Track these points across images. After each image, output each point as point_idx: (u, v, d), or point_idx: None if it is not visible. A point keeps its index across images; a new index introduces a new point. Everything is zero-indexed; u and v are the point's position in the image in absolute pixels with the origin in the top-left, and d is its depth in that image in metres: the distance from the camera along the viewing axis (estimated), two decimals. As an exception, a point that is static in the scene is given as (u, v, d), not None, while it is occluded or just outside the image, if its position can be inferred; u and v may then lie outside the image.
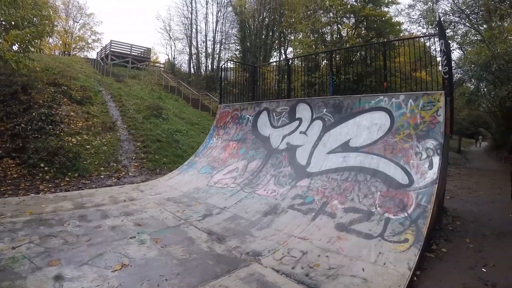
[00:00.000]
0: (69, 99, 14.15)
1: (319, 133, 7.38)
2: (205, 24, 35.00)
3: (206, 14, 39.86)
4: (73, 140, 11.25)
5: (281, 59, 27.78)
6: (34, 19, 11.29)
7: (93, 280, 3.70)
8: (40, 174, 9.03)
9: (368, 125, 6.60)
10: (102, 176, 9.96)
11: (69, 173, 9.60)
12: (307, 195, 6.18)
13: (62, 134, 11.07)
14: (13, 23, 9.65)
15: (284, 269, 4.06)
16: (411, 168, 5.47)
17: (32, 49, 11.21)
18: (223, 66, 13.17)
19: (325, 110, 7.61)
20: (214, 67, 33.72)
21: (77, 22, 43.31)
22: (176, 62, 38.14)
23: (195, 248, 4.51)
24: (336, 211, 5.46)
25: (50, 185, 8.53)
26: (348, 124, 6.98)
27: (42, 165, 9.29)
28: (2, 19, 9.56)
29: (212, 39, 34.62)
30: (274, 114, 8.61)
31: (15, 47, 10.84)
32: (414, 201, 4.95)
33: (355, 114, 7.00)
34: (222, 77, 12.30)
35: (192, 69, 35.72)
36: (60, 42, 41.34)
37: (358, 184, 5.80)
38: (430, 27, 20.23)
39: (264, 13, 29.52)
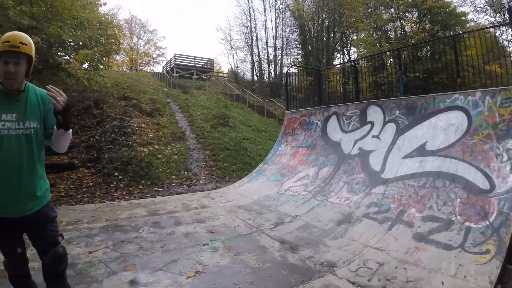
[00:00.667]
0: (139, 112, 14.80)
1: (392, 137, 6.88)
2: (265, 31, 35.33)
3: (265, 21, 40.26)
4: (145, 150, 11.67)
5: (345, 60, 27.04)
6: (101, 38, 11.94)
7: (168, 286, 3.66)
8: (114, 183, 9.43)
9: (444, 126, 5.99)
10: (174, 184, 10.16)
11: (142, 181, 9.91)
12: (383, 203, 5.74)
13: (134, 144, 11.54)
14: (81, 43, 10.21)
15: (360, 281, 3.76)
16: (492, 172, 4.82)
17: (101, 66, 11.84)
18: (287, 72, 12.88)
19: (397, 112, 7.09)
20: (277, 73, 33.74)
21: (141, 39, 45.89)
22: (239, 71, 38.75)
23: (268, 257, 4.35)
24: (413, 220, 4.99)
25: (124, 193, 8.85)
26: (423, 126, 6.40)
27: (116, 174, 9.72)
28: (70, 40, 10.12)
29: (273, 45, 34.72)
30: (343, 118, 8.22)
31: (85, 66, 11.48)
32: (496, 208, 4.34)
33: (430, 114, 6.40)
34: (288, 83, 12.08)
35: (255, 76, 36.07)
36: (127, 58, 43.99)
37: (436, 190, 5.25)
38: (497, 15, 18.62)
39: (323, 15, 28.91)
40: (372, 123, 7.59)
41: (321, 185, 7.02)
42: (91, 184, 9.08)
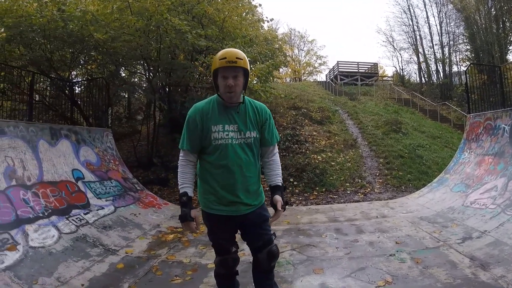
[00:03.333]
0: (309, 120, 15.30)
1: None
2: (428, 28, 32.15)
3: (426, 17, 36.33)
4: (318, 157, 11.97)
5: None
6: (268, 53, 12.70)
7: None
8: (290, 188, 9.90)
9: None
10: (348, 192, 10.12)
11: (317, 188, 10.18)
12: None
13: (307, 152, 11.98)
14: (249, 59, 11.00)
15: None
16: None
17: (270, 78, 12.60)
18: (466, 71, 11.56)
19: None
20: (446, 73, 30.78)
21: (302, 50, 47.92)
22: (404, 73, 36.88)
23: (459, 273, 3.96)
24: None
25: (300, 198, 9.24)
26: None
27: (291, 180, 10.22)
28: None
29: (438, 42, 31.67)
30: None
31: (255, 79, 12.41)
32: None
33: None
34: (468, 84, 10.83)
35: (422, 78, 33.62)
36: (289, 70, 46.05)
37: None
38: None
39: (489, 3, 25.16)
40: None
41: (511, 198, 6.09)
42: (267, 188, 9.69)
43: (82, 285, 3.88)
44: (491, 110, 8.80)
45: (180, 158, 2.74)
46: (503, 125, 7.66)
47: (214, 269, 2.99)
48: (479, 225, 5.64)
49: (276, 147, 2.86)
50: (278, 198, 2.70)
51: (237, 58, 2.51)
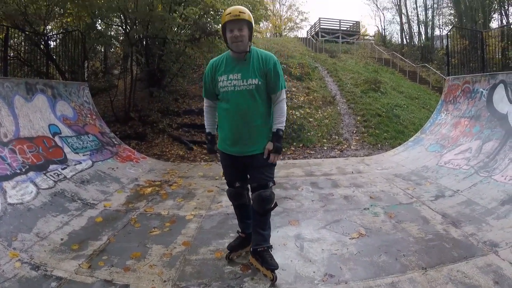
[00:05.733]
0: (289, 76, 15.21)
1: None
2: None
3: None
4: (296, 113, 12.04)
5: (504, 22, 23.02)
6: (249, 6, 12.36)
7: (332, 244, 3.75)
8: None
9: None
10: (325, 148, 10.26)
11: (294, 143, 10.32)
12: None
13: (286, 107, 11.88)
14: None
15: (524, 265, 3.30)
16: None
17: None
18: (447, 34, 11.49)
19: None
20: (428, 36, 30.56)
21: (284, 5, 46.81)
22: (386, 33, 36.80)
23: (430, 229, 4.13)
24: None
25: (277, 153, 9.19)
26: None
27: (270, 135, 10.16)
28: (222, 9, 10.69)
29: (422, 4, 31.33)
30: None
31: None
32: None
33: None
34: (449, 47, 10.82)
35: (404, 39, 33.45)
36: (270, 25, 45.30)
37: None
38: None
39: None
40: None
41: (484, 161, 6.25)
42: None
43: (62, 239, 3.91)
44: (470, 74, 8.87)
45: (204, 104, 3.31)
46: (481, 89, 7.74)
47: None
48: (452, 184, 5.82)
49: (282, 94, 3.07)
50: (268, 145, 3.02)
51: (240, 12, 2.86)
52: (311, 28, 35.79)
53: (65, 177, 5.64)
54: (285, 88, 3.13)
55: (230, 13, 2.87)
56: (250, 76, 2.93)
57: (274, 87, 3.00)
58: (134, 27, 11.05)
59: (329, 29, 31.84)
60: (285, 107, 3.10)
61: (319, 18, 32.17)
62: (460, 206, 4.88)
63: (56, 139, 6.50)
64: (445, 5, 30.14)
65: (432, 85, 20.84)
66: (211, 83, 3.09)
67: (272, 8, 43.53)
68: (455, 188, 5.62)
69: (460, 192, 5.41)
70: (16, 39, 9.92)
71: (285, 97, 3.11)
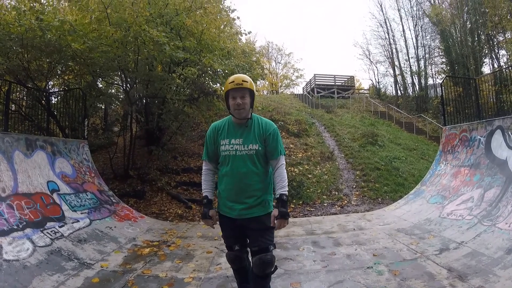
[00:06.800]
0: (286, 133, 15.46)
1: None
2: (404, 41, 32.91)
3: (403, 31, 36.72)
4: (295, 170, 12.05)
5: (496, 66, 23.74)
6: (246, 65, 12.83)
7: None
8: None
9: None
10: (325, 204, 10.20)
11: (294, 200, 10.24)
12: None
13: (285, 164, 11.95)
14: (226, 71, 11.10)
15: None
16: None
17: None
18: (441, 83, 11.81)
19: None
20: (422, 86, 31.34)
21: (279, 63, 48.69)
22: (381, 86, 37.65)
23: (436, 285, 4.06)
24: None
25: (277, 211, 9.09)
26: None
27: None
28: (220, 69, 11.15)
29: (414, 55, 32.42)
30: (510, 133, 7.15)
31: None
32: None
33: None
34: (444, 96, 11.10)
35: (398, 91, 34.20)
36: (267, 82, 46.53)
37: None
38: None
39: (464, 16, 25.96)
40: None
41: (487, 209, 6.23)
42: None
43: (57, 300, 3.80)
44: (467, 122, 9.00)
45: (203, 167, 3.31)
46: (478, 137, 7.83)
47: None
48: (456, 236, 5.75)
49: (281, 160, 3.13)
50: (274, 211, 3.04)
51: (243, 81, 3.02)
52: (306, 85, 36.88)
53: (62, 235, 5.58)
54: (284, 154, 3.20)
55: (233, 81, 3.02)
56: (251, 141, 3.07)
57: (273, 152, 3.10)
58: (134, 86, 11.37)
59: (324, 84, 32.83)
60: (285, 173, 3.13)
61: (314, 75, 33.29)
62: (466, 258, 4.81)
63: (54, 196, 6.48)
64: (436, 54, 31.13)
65: (429, 134, 21.11)
66: (214, 145, 3.20)
67: (268, 67, 45.18)
68: (459, 239, 5.55)
69: (464, 244, 5.34)
70: (18, 94, 10.15)
71: (284, 162, 3.16)
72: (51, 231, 5.47)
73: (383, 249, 5.63)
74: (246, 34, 14.28)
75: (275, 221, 2.98)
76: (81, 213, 6.69)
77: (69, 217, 6.26)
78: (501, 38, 24.13)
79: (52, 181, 6.75)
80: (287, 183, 3.09)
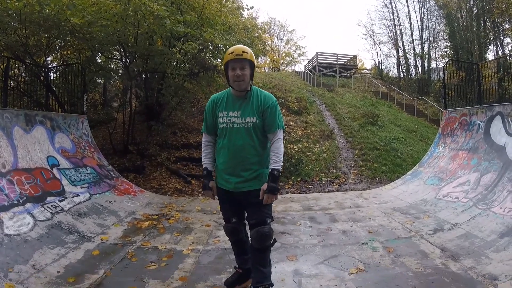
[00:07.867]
0: (287, 110, 15.49)
1: None
2: (409, 23, 32.31)
3: (408, 12, 36.07)
4: (294, 147, 12.19)
5: (500, 53, 23.47)
6: (247, 41, 12.72)
7: (331, 280, 3.72)
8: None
9: None
10: (323, 182, 10.33)
11: (292, 177, 10.40)
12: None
13: (285, 141, 12.06)
14: (228, 46, 10.98)
15: (524, 298, 3.29)
16: None
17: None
18: (444, 66, 11.74)
19: None
20: (425, 69, 31.34)
21: (282, 40, 48.23)
22: (383, 67, 37.43)
23: (429, 263, 4.13)
24: None
25: (275, 187, 9.26)
26: None
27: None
28: (221, 45, 11.05)
29: (418, 38, 32.18)
30: (509, 120, 7.16)
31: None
32: None
33: None
34: (445, 79, 11.06)
35: (401, 72, 34.15)
36: (268, 59, 46.27)
37: None
38: None
39: (471, 1, 25.54)
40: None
41: (483, 193, 6.28)
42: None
43: (58, 272, 3.89)
44: (467, 107, 9.01)
45: (202, 139, 3.33)
46: (478, 122, 7.83)
47: None
48: (451, 217, 5.83)
49: (278, 134, 3.10)
50: (263, 185, 3.01)
51: (243, 52, 2.96)
52: (308, 63, 36.60)
53: (62, 209, 5.64)
54: (283, 128, 3.16)
55: (233, 52, 2.96)
56: (249, 114, 3.03)
57: (271, 125, 3.06)
58: (134, 61, 11.31)
59: (326, 63, 32.59)
60: (282, 147, 3.10)
61: (317, 53, 33.01)
62: (459, 239, 4.88)
63: (54, 171, 6.53)
64: (441, 38, 30.94)
65: (430, 117, 21.14)
66: (212, 117, 3.19)
67: (270, 43, 44.59)
68: (454, 221, 5.63)
69: (459, 225, 5.42)
70: (16, 70, 10.09)
71: (282, 137, 3.13)
72: (52, 206, 5.54)
73: (378, 226, 5.72)
74: (248, 9, 14.00)
75: (264, 196, 2.97)
76: (81, 188, 6.75)
77: (69, 192, 6.33)
78: (507, 26, 23.96)
79: (52, 156, 6.79)
80: (282, 158, 3.07)
